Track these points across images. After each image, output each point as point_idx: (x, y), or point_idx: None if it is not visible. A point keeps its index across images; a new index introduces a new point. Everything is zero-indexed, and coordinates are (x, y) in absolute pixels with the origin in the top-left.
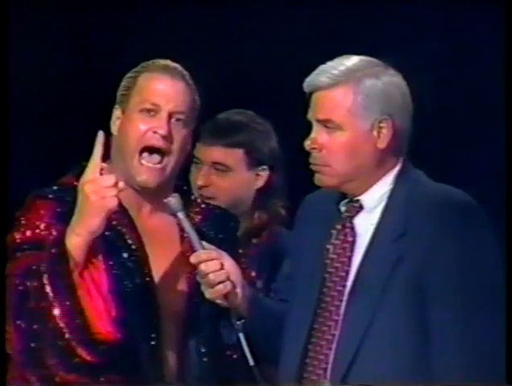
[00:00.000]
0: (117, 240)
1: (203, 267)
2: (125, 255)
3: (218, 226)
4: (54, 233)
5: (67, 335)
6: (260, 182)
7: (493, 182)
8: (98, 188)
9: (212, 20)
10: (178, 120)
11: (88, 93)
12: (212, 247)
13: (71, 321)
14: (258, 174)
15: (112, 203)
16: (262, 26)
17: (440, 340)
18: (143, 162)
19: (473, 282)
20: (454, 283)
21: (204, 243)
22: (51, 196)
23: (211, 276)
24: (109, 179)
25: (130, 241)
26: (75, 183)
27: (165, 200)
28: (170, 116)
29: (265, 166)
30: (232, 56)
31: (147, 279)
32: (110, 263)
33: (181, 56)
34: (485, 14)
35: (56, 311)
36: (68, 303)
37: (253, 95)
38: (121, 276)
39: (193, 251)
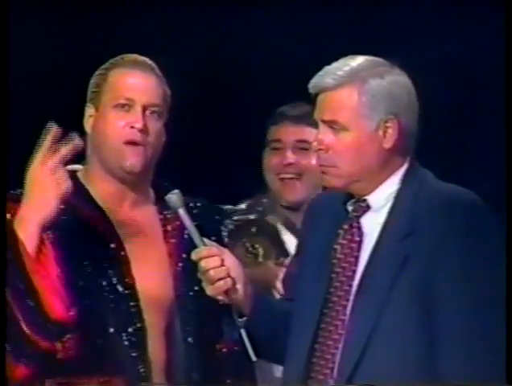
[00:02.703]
0: (90, 234)
1: (203, 263)
2: (98, 248)
3: (203, 218)
4: None
5: (19, 318)
6: None
7: (493, 181)
8: (48, 170)
9: (214, 21)
10: (152, 112)
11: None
12: (214, 243)
13: (23, 303)
14: None
15: (65, 184)
16: (267, 27)
17: (446, 340)
18: (127, 148)
19: (480, 282)
20: (461, 282)
21: (205, 239)
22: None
23: (211, 272)
24: (55, 160)
25: (104, 235)
26: None
27: (165, 197)
28: (144, 109)
29: None
30: (235, 57)
31: (125, 272)
32: (77, 258)
33: (182, 54)
34: (485, 14)
35: (9, 296)
36: (20, 286)
37: (258, 96)
38: (94, 271)
39: (181, 245)
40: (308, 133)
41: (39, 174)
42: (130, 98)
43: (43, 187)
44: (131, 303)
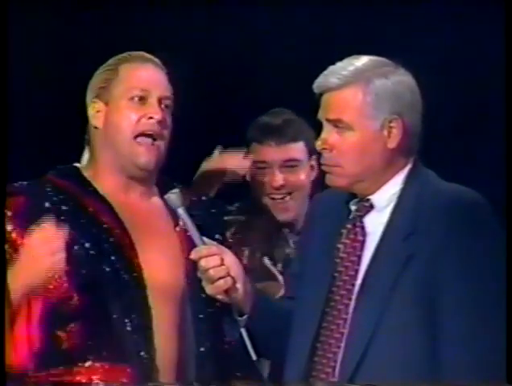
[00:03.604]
0: (93, 225)
1: (203, 263)
2: (101, 237)
3: (203, 211)
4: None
5: None
6: (314, 174)
7: (493, 181)
8: (45, 240)
9: (215, 20)
10: (166, 106)
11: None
12: (214, 242)
13: None
14: (312, 166)
15: (58, 255)
16: (270, 27)
17: (447, 339)
18: (140, 141)
19: (482, 281)
20: (463, 282)
21: (204, 238)
22: (20, 192)
23: (211, 271)
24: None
25: (107, 225)
26: (52, 180)
27: (165, 196)
28: (160, 101)
29: (314, 156)
30: (237, 57)
31: (130, 260)
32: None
33: (182, 53)
34: (485, 14)
35: None
36: None
37: (261, 96)
38: (98, 259)
39: (187, 240)
40: (293, 150)
41: (35, 241)
42: (145, 89)
43: (35, 257)
44: (136, 290)
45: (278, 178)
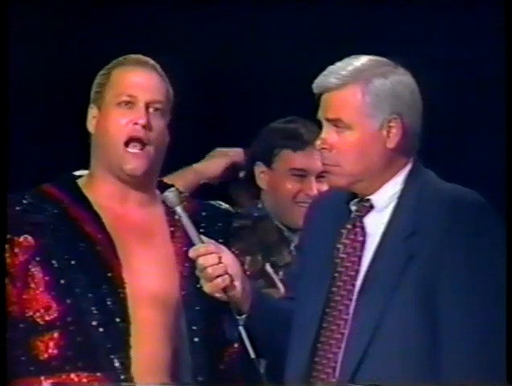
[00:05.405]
0: (77, 234)
1: (201, 261)
2: (83, 248)
3: (211, 219)
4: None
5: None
6: None
7: (493, 181)
8: None
9: (215, 21)
10: (156, 110)
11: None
12: (211, 241)
13: None
14: None
15: None
16: (270, 27)
17: (449, 339)
18: (129, 149)
19: (483, 282)
20: (464, 282)
21: (202, 237)
22: (18, 208)
23: (209, 269)
24: None
25: (90, 235)
26: (45, 189)
27: (162, 195)
28: (147, 106)
29: None
30: (237, 57)
31: (111, 270)
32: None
33: (183, 55)
34: (485, 14)
35: None
36: None
37: (260, 96)
38: (77, 271)
39: (189, 245)
40: None
41: None
42: (132, 95)
43: None
44: (115, 301)
45: (315, 187)
